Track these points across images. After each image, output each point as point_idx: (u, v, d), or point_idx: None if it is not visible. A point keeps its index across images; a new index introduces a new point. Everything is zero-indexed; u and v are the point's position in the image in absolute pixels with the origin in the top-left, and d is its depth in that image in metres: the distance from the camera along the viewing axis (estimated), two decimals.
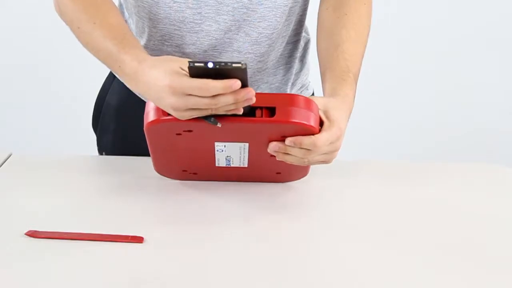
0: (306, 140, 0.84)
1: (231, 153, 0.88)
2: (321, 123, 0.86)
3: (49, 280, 0.67)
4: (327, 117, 0.87)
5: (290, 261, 0.75)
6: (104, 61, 0.93)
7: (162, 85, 0.80)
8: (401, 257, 0.76)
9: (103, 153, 1.21)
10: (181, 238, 0.79)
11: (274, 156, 0.88)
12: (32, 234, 0.77)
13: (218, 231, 0.82)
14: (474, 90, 2.74)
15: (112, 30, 0.93)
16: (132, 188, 0.95)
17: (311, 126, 0.83)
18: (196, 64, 0.75)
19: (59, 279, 0.67)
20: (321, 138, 0.84)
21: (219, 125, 0.80)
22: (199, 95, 0.77)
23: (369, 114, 2.72)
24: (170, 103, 0.79)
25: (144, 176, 0.98)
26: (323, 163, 0.90)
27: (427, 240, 0.81)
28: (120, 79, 0.92)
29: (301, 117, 0.82)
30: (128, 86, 0.91)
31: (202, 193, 0.94)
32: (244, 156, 0.89)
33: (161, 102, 0.81)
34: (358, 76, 1.00)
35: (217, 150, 0.87)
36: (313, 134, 0.84)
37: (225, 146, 0.87)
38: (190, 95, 0.78)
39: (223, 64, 0.74)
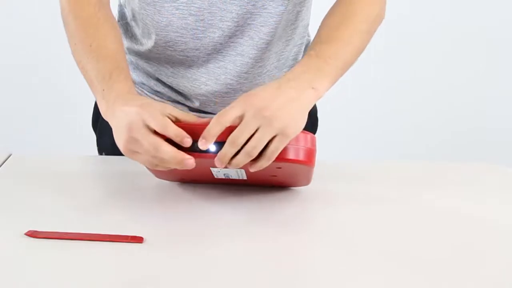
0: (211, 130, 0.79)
1: (228, 172, 0.89)
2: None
3: (49, 280, 0.67)
4: None
5: (289, 261, 0.75)
6: (90, 81, 0.92)
7: (135, 110, 0.80)
8: (401, 258, 0.76)
9: (103, 153, 1.21)
10: (181, 238, 0.79)
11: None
12: (32, 234, 0.77)
13: (218, 231, 0.82)
14: (475, 91, 2.74)
15: (108, 56, 0.92)
16: (132, 188, 0.95)
17: (301, 160, 0.83)
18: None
19: (59, 279, 0.67)
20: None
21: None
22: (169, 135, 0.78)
23: (371, 114, 2.72)
24: (125, 135, 0.82)
25: (144, 176, 0.98)
26: (280, 141, 0.80)
27: (426, 241, 0.81)
28: (97, 101, 0.91)
29: (293, 153, 0.83)
30: (102, 108, 0.90)
31: (202, 193, 0.94)
32: (241, 174, 0.90)
33: (120, 130, 0.83)
34: (330, 53, 0.90)
35: (214, 170, 0.88)
36: (306, 166, 0.84)
37: (220, 170, 0.88)
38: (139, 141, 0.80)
39: None
